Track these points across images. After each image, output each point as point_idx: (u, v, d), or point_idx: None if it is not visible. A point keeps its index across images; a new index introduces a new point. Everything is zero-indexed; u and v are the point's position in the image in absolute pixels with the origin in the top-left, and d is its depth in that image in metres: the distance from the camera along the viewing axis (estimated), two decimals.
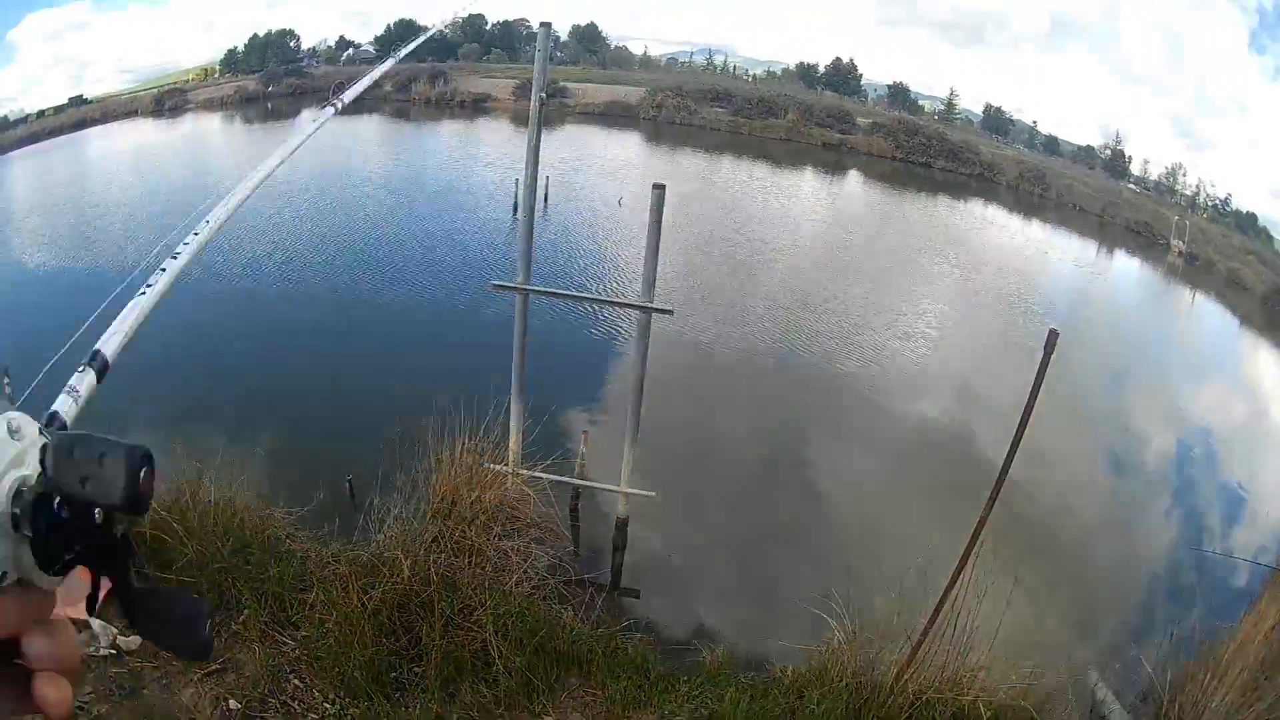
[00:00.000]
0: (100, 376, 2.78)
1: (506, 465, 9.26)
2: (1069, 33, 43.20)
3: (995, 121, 44.57)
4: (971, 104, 45.33)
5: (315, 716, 6.33)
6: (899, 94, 45.95)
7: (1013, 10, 44.84)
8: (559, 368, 14.16)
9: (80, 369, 2.67)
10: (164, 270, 3.31)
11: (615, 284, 19.62)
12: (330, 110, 5.19)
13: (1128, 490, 15.14)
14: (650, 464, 10.41)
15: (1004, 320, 22.01)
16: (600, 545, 10.33)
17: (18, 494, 0.71)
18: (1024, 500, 13.26)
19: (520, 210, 9.55)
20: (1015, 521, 11.82)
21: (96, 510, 0.78)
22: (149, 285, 3.24)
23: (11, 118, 43.22)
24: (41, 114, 44.06)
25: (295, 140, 4.50)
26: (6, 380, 6.96)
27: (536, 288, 9.83)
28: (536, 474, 9.38)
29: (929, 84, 45.94)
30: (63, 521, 0.74)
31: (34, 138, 42.05)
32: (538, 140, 9.24)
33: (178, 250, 3.49)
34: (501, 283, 9.66)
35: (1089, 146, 42.60)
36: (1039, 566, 10.30)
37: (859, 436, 14.70)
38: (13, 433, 0.70)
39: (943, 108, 45.30)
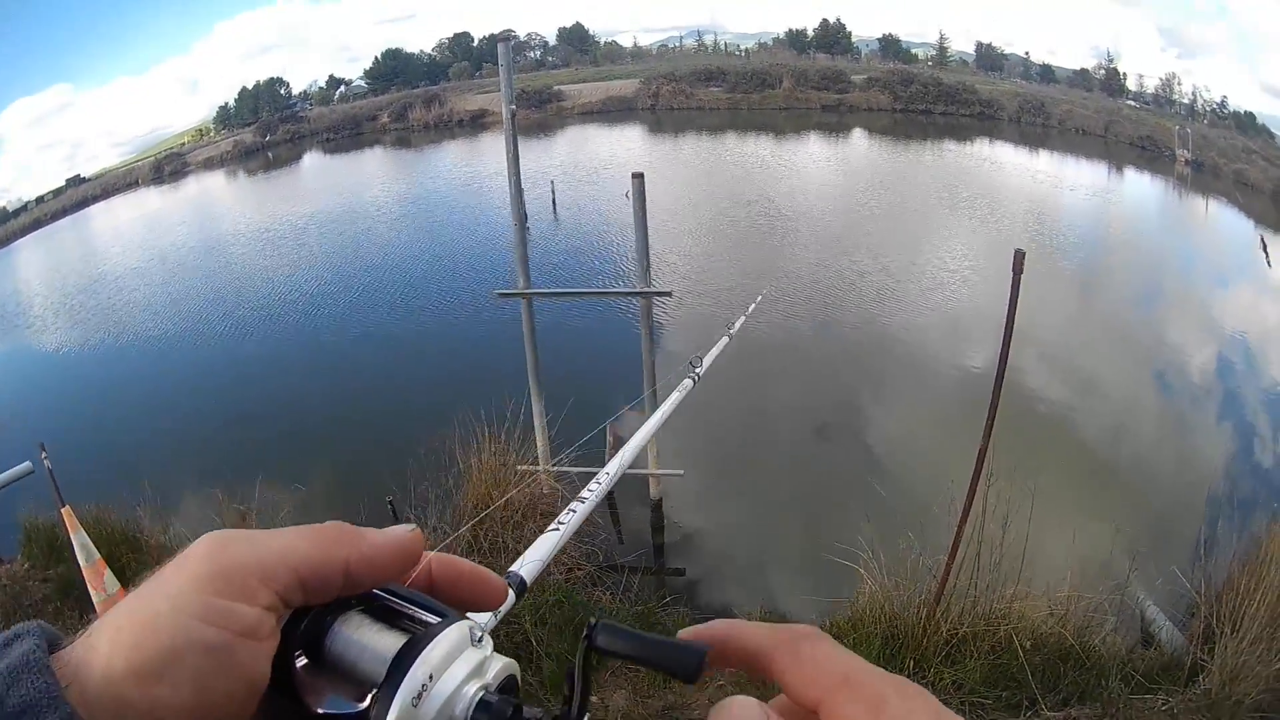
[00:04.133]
0: (519, 597, 3.02)
1: (535, 464, 9.51)
2: None
3: (988, 58, 44.40)
4: (964, 44, 45.15)
5: None
6: (890, 45, 45.83)
7: None
8: (580, 362, 14.42)
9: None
10: (573, 511, 3.50)
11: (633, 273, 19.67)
12: (689, 382, 5.55)
13: (1162, 404, 15.13)
14: (678, 444, 10.56)
15: (1031, 260, 21.83)
16: (639, 529, 10.55)
17: (482, 704, 0.65)
18: (1057, 422, 13.32)
19: (512, 219, 9.66)
20: (1045, 444, 11.88)
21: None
22: (561, 523, 3.49)
23: (11, 208, 43.62)
24: (41, 199, 44.57)
25: (668, 405, 4.83)
26: (45, 455, 7.13)
27: (538, 290, 10.08)
28: (565, 469, 9.53)
29: (919, 31, 45.80)
30: None
31: (37, 224, 42.67)
32: (515, 151, 9.40)
33: (584, 495, 3.54)
34: (505, 290, 9.92)
35: (1084, 69, 42.48)
36: (1071, 489, 10.30)
37: (889, 388, 14.74)
38: (475, 640, 0.67)
39: (935, 52, 45.07)
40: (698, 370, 5.71)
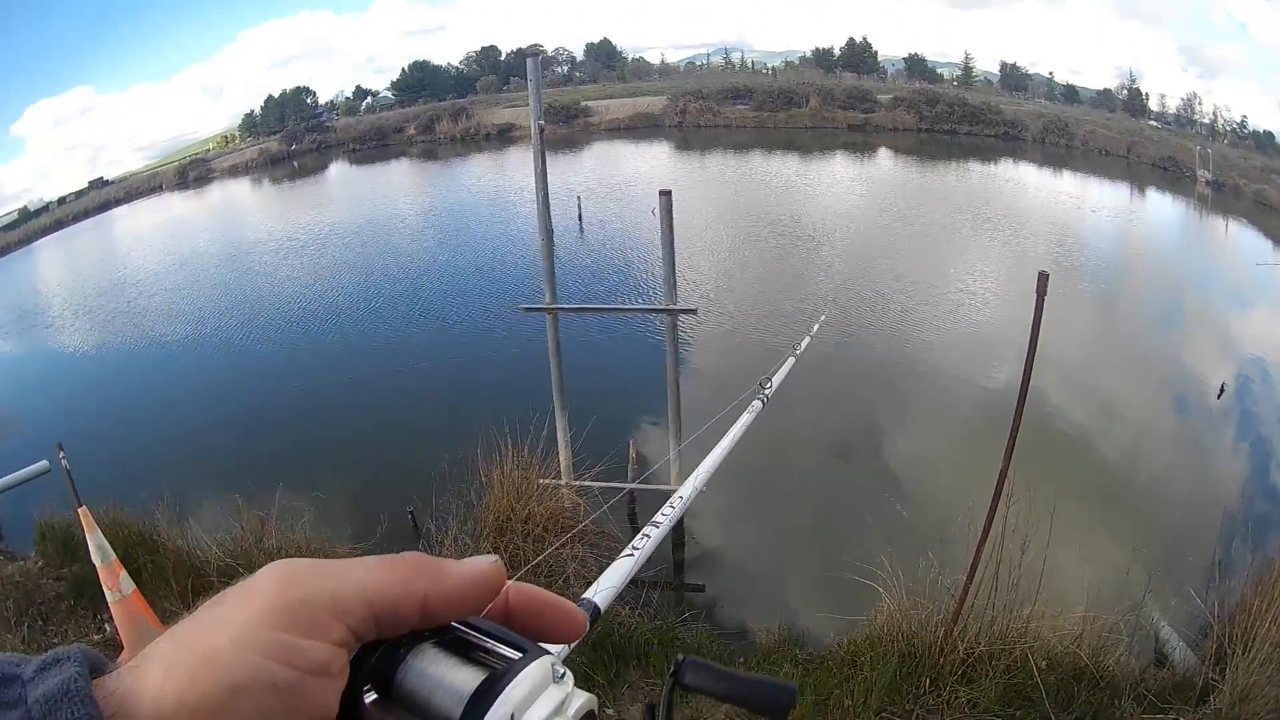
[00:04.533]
0: (593, 622, 3.14)
1: (558, 478, 9.54)
2: None
3: (1013, 78, 44.28)
4: (988, 64, 45.07)
5: None
6: (915, 65, 45.74)
7: None
8: (604, 378, 14.41)
9: None
10: (647, 536, 3.65)
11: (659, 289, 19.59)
12: (758, 404, 5.65)
13: (1179, 425, 15.06)
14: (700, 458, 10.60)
15: (1053, 283, 21.68)
16: (661, 545, 10.38)
17: None
18: (1076, 443, 13.33)
19: (539, 234, 9.75)
20: (1064, 465, 11.89)
21: None
22: (635, 548, 3.58)
23: (32, 207, 43.70)
24: (62, 201, 44.64)
25: (738, 428, 5.01)
26: (62, 455, 7.20)
27: (564, 306, 10.18)
28: (587, 483, 9.67)
29: (944, 51, 45.76)
30: None
31: (59, 224, 42.88)
32: (544, 167, 9.47)
33: (658, 520, 3.84)
34: (531, 305, 10.09)
35: (1106, 90, 42.21)
36: (1089, 510, 10.30)
37: (913, 408, 14.76)
38: (557, 677, 0.65)
39: (960, 73, 45.04)
40: (767, 391, 5.79)
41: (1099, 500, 11.22)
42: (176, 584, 7.95)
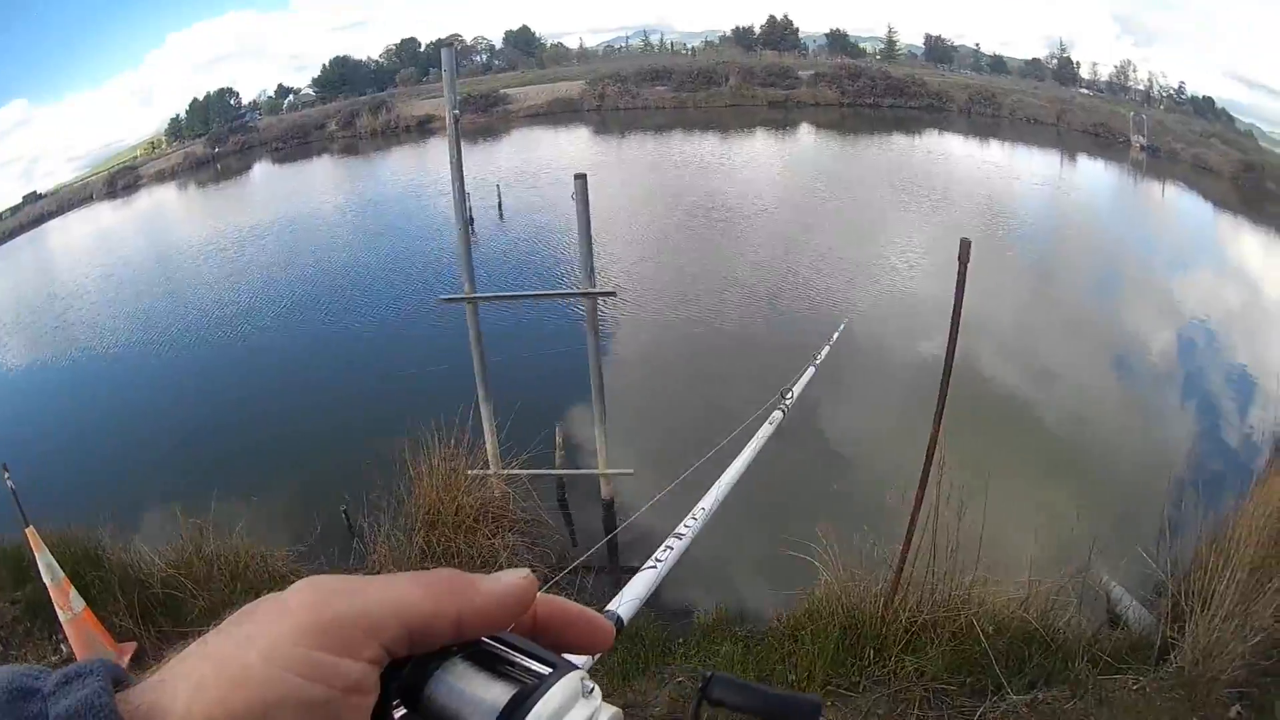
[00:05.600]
0: (617, 633, 2.93)
1: (486, 468, 9.52)
2: None
3: (938, 51, 44.58)
4: (913, 38, 45.32)
5: None
6: (837, 40, 45.92)
7: None
8: (525, 367, 14.23)
9: None
10: (670, 548, 3.83)
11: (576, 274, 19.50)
12: (779, 414, 5.94)
13: (1123, 390, 15.12)
14: (627, 443, 10.64)
15: (983, 252, 21.66)
16: (593, 530, 10.48)
17: None
18: (1016, 411, 13.32)
19: (456, 224, 9.65)
20: (1004, 434, 11.88)
21: None
22: (659, 559, 3.76)
23: None
24: None
25: (759, 438, 5.43)
26: (7, 475, 7.28)
27: (482, 295, 10.06)
28: (515, 472, 9.60)
29: (868, 26, 45.97)
30: None
31: None
32: (459, 156, 9.39)
33: (680, 531, 4.02)
34: (449, 295, 10.08)
35: (1035, 59, 42.53)
36: (1031, 478, 10.35)
37: (843, 382, 14.66)
38: (586, 693, 0.64)
39: (883, 46, 45.31)
40: (788, 400, 5.96)
41: (1041, 467, 11.36)
42: (124, 598, 7.89)
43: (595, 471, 10.22)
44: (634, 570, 8.96)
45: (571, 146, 38.39)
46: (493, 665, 0.65)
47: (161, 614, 7.89)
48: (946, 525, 6.45)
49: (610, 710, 0.65)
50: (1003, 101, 40.36)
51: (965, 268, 5.37)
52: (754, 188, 28.50)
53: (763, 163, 34.12)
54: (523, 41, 50.58)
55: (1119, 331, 17.67)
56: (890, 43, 45.17)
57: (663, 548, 3.85)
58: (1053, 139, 37.61)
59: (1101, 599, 8.04)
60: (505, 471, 9.60)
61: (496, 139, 40.80)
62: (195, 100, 48.83)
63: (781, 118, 40.51)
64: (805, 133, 39.24)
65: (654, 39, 49.74)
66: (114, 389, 18.70)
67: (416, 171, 37.25)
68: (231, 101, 49.56)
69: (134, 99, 52.15)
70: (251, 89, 50.14)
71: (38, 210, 44.36)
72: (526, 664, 0.65)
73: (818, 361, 7.33)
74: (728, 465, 5.21)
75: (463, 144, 9.40)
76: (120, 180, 45.83)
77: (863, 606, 6.62)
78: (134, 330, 22.29)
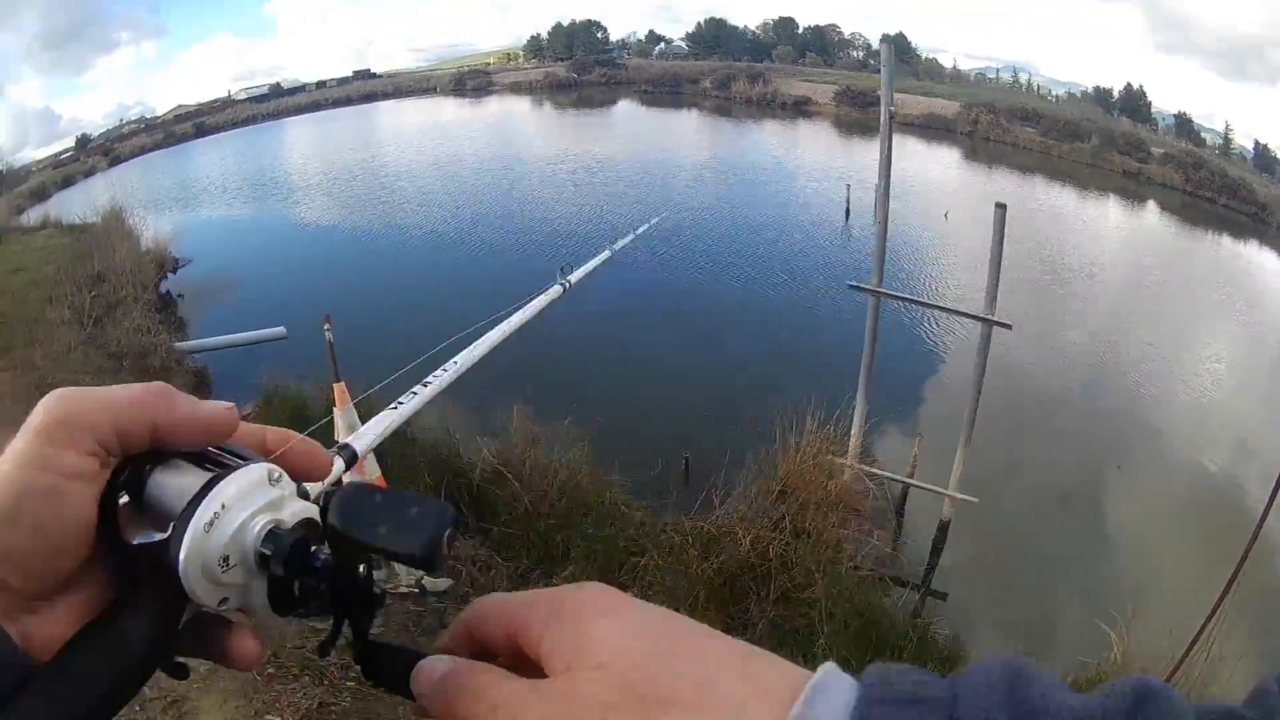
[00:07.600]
0: (348, 466, 3.61)
1: (845, 459, 9.67)
2: None
3: (1264, 159, 41.89)
4: (1242, 139, 42.75)
5: None
6: (1184, 125, 43.73)
7: (1272, 40, 41.75)
8: (897, 371, 14.07)
9: (333, 455, 3.11)
10: (415, 394, 4.21)
11: (942, 296, 19.35)
12: (558, 288, 6.43)
13: None
14: (976, 472, 10.61)
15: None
16: (918, 544, 10.55)
17: (271, 534, 0.72)
18: None
19: (876, 217, 9.86)
20: None
21: (362, 565, 0.78)
22: (400, 403, 4.17)
23: (285, 85, 46.19)
24: (321, 84, 47.13)
25: (525, 312, 5.97)
26: (328, 327, 7.24)
27: (890, 291, 10.32)
28: (873, 470, 9.80)
29: (1206, 114, 43.65)
30: (315, 569, 0.74)
31: (316, 106, 45.37)
32: (889, 153, 9.66)
33: (428, 381, 4.35)
34: (858, 284, 10.15)
35: None
36: None
37: (1174, 477, 14.22)
38: (273, 480, 0.74)
39: (1221, 141, 42.95)
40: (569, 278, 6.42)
41: None
42: (430, 478, 8.28)
43: (943, 491, 10.18)
44: (942, 596, 9.20)
45: (938, 165, 37.67)
46: (202, 463, 0.75)
47: (470, 507, 8.14)
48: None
49: (302, 504, 0.76)
50: None
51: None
52: (1089, 255, 27.43)
53: (1108, 232, 32.88)
54: (899, 48, 49.87)
55: None
56: (1227, 140, 42.75)
57: (408, 393, 4.21)
58: None
59: None
60: (870, 470, 9.81)
61: (870, 138, 40.51)
62: (559, 24, 50.31)
63: (1133, 190, 38.84)
64: (1151, 211, 37.51)
65: (1021, 77, 48.52)
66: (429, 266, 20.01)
67: (790, 152, 37.45)
68: (598, 34, 50.61)
69: (492, 6, 54.01)
70: (618, 28, 51.24)
71: (368, 88, 47.56)
72: (231, 461, 0.75)
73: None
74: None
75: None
76: (470, 81, 48.03)
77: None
78: (457, 222, 23.72)
